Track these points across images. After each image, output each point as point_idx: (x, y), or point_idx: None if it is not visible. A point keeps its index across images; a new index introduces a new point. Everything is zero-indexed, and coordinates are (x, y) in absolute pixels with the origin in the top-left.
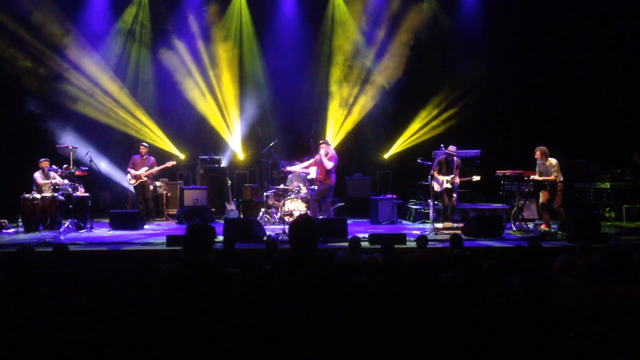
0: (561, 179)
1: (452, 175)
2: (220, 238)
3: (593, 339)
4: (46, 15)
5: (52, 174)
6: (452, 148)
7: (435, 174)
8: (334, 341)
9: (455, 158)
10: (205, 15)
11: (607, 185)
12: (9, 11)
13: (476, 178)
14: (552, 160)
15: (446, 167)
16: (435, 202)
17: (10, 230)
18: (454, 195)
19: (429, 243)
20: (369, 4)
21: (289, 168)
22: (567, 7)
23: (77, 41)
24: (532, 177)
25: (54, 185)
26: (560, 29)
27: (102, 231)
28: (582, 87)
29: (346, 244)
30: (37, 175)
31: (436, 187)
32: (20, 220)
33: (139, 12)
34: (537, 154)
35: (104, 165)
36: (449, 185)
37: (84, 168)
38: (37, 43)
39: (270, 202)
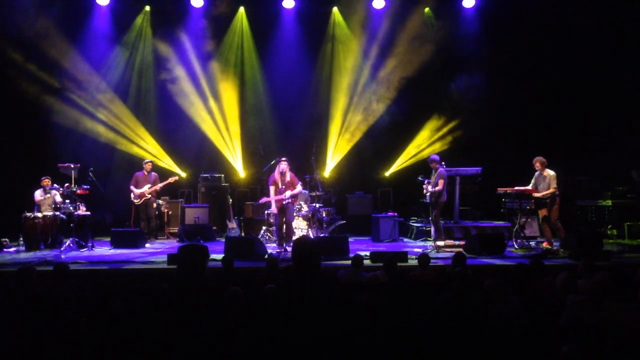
0: (557, 193)
1: (432, 184)
2: (220, 256)
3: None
4: (47, 35)
5: (53, 192)
6: (433, 157)
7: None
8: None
9: (439, 168)
10: (207, 34)
11: (609, 202)
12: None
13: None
14: (550, 172)
15: (432, 178)
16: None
17: (12, 249)
18: (434, 210)
19: (431, 261)
20: (371, 24)
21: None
22: (566, 27)
23: (79, 60)
24: (534, 194)
25: (55, 203)
26: (560, 46)
27: (104, 250)
28: (583, 104)
29: (347, 262)
30: (38, 193)
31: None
32: (21, 239)
33: (142, 31)
34: (537, 165)
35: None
36: (429, 193)
37: (85, 187)
38: (40, 62)
39: (272, 220)
